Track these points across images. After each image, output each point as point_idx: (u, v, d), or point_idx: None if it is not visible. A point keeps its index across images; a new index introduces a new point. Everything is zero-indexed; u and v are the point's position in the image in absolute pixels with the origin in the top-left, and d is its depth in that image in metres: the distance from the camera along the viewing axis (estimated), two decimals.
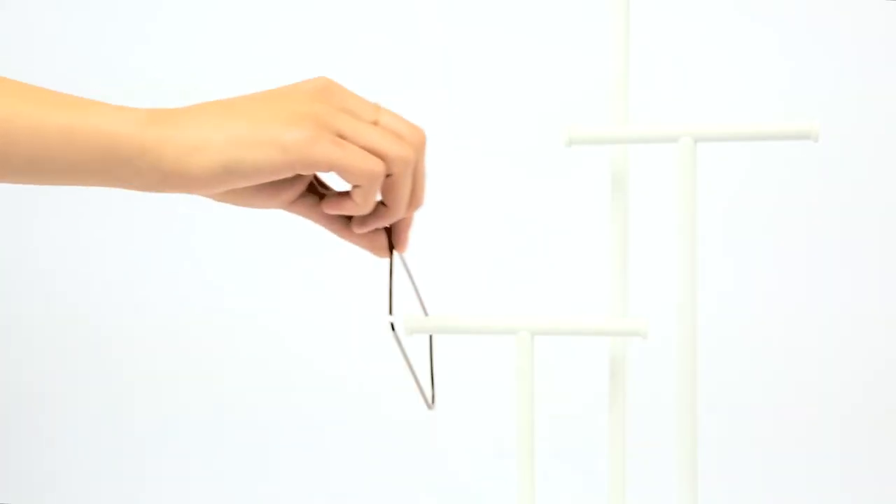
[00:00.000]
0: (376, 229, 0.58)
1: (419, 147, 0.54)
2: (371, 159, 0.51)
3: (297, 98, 0.52)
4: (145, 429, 1.48)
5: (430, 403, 0.61)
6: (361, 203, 0.53)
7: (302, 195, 0.57)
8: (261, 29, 1.43)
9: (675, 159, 0.59)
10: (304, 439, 1.43)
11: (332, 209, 0.55)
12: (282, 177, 0.51)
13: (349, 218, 0.57)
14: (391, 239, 0.59)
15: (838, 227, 1.30)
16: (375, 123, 0.53)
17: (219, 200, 0.55)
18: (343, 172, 0.51)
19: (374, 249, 0.59)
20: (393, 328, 0.56)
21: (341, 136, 0.51)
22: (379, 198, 0.55)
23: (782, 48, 1.30)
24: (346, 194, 0.55)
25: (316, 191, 0.58)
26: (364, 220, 0.57)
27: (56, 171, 0.50)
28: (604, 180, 0.66)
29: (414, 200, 0.56)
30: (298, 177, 0.55)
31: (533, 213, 1.35)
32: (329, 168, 0.51)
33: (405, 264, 0.63)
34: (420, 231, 1.31)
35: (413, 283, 0.64)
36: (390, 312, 0.56)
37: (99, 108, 0.50)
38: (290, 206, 0.57)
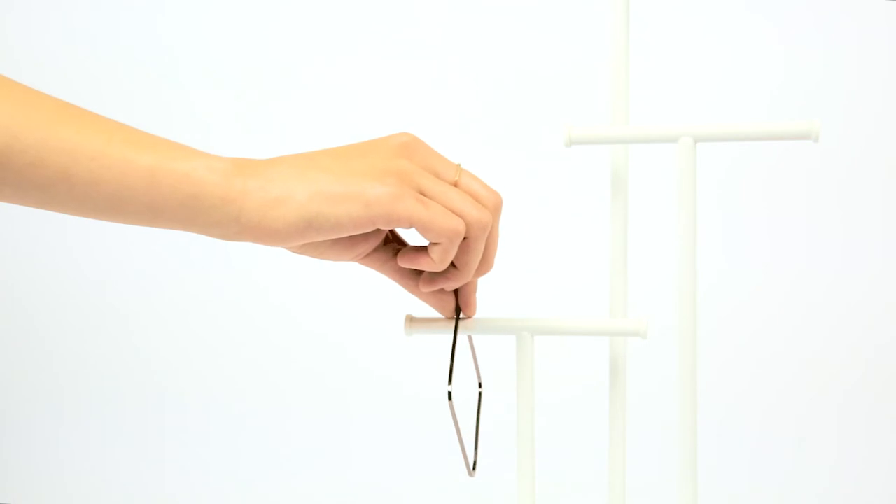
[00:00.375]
0: (445, 291, 0.58)
1: (495, 211, 0.54)
2: (454, 218, 0.52)
3: (380, 154, 0.52)
4: (149, 426, 1.48)
5: (472, 470, 0.62)
6: (438, 261, 0.53)
7: (377, 249, 0.57)
8: (262, 26, 1.43)
9: (676, 159, 0.59)
10: (303, 430, 1.43)
11: (408, 263, 0.55)
12: (362, 231, 0.51)
13: (420, 274, 0.58)
14: (458, 301, 0.59)
15: (838, 226, 1.30)
16: (455, 184, 0.54)
17: (294, 252, 0.55)
18: (425, 230, 0.51)
19: (441, 309, 0.59)
20: (450, 397, 0.56)
21: (423, 194, 0.52)
22: None
23: (783, 48, 1.30)
24: (422, 249, 0.55)
25: (389, 245, 0.58)
26: (432, 279, 0.57)
27: (136, 213, 0.50)
28: (604, 180, 0.66)
29: (484, 265, 0.56)
30: (376, 231, 0.56)
31: (533, 212, 1.35)
32: (410, 224, 0.51)
33: (472, 340, 0.64)
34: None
35: (472, 350, 0.64)
36: (449, 382, 0.56)
37: (185, 154, 0.50)
38: (365, 259, 0.57)
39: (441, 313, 0.60)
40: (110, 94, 1.45)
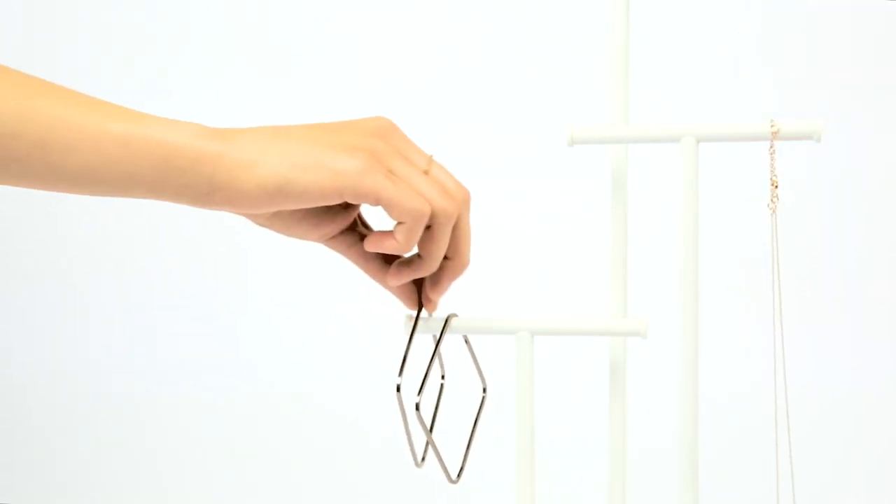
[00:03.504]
0: (412, 283, 0.59)
1: (463, 205, 0.55)
2: (419, 198, 0.52)
3: (355, 131, 0.53)
4: (149, 430, 1.48)
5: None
6: (403, 242, 0.54)
7: (343, 232, 0.58)
8: (262, 28, 1.43)
9: (678, 159, 0.59)
10: (302, 432, 1.43)
11: (373, 247, 0.56)
12: (329, 203, 0.52)
13: (387, 263, 0.59)
14: (421, 296, 0.59)
15: (841, 225, 1.30)
16: (425, 173, 0.54)
17: (261, 224, 0.56)
18: (390, 207, 0.52)
19: (406, 301, 0.60)
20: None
21: (391, 174, 0.53)
22: (415, 251, 0.56)
23: (785, 48, 1.30)
24: (388, 233, 0.55)
25: (357, 230, 0.59)
26: (399, 270, 0.58)
27: (111, 180, 0.51)
28: (604, 180, 0.66)
29: (458, 261, 0.57)
30: (343, 211, 0.57)
31: (533, 213, 1.35)
32: (376, 200, 0.52)
33: (469, 343, 0.64)
34: None
35: (472, 352, 0.64)
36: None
37: (156, 120, 0.52)
38: (331, 241, 0.58)
39: (407, 306, 0.61)
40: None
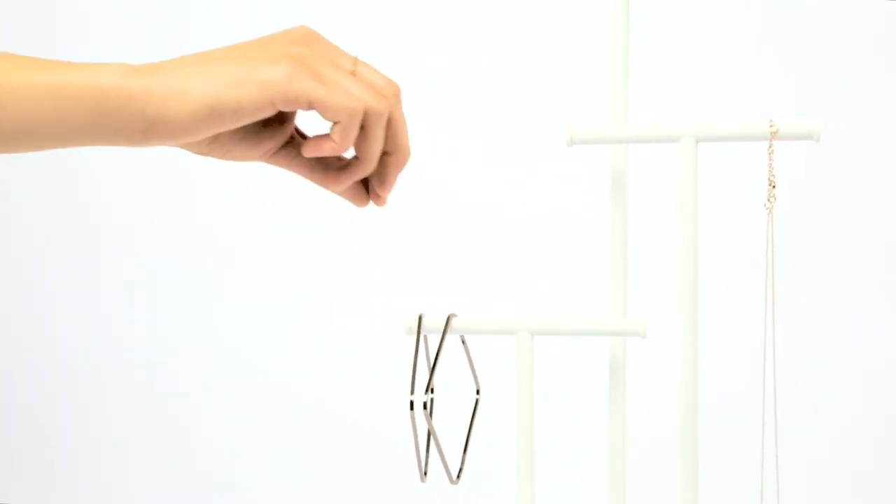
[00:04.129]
0: (359, 183, 0.59)
1: (393, 99, 0.56)
2: (351, 96, 0.53)
3: (277, 42, 0.54)
4: (149, 431, 1.47)
5: (454, 478, 0.62)
6: (340, 141, 0.54)
7: (284, 146, 0.59)
8: (262, 28, 1.43)
9: (677, 159, 0.59)
10: (301, 430, 1.43)
11: (311, 151, 0.56)
12: (263, 115, 0.52)
13: (331, 169, 0.59)
14: (370, 190, 0.59)
15: (842, 225, 1.30)
16: (353, 74, 0.55)
17: (201, 153, 0.56)
18: (323, 108, 0.52)
19: (355, 201, 0.60)
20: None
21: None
22: (352, 153, 0.57)
23: (784, 48, 1.30)
24: (324, 136, 0.55)
25: (296, 142, 0.59)
26: (340, 174, 0.58)
27: (46, 131, 0.51)
28: (604, 180, 0.66)
29: (400, 153, 0.57)
30: (279, 126, 0.57)
31: (533, 212, 1.34)
32: (309, 104, 0.52)
33: (465, 343, 0.64)
34: (421, 229, 1.31)
35: (467, 353, 0.64)
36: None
37: (83, 65, 0.52)
38: (273, 157, 0.59)
39: (355, 204, 0.61)
40: None
